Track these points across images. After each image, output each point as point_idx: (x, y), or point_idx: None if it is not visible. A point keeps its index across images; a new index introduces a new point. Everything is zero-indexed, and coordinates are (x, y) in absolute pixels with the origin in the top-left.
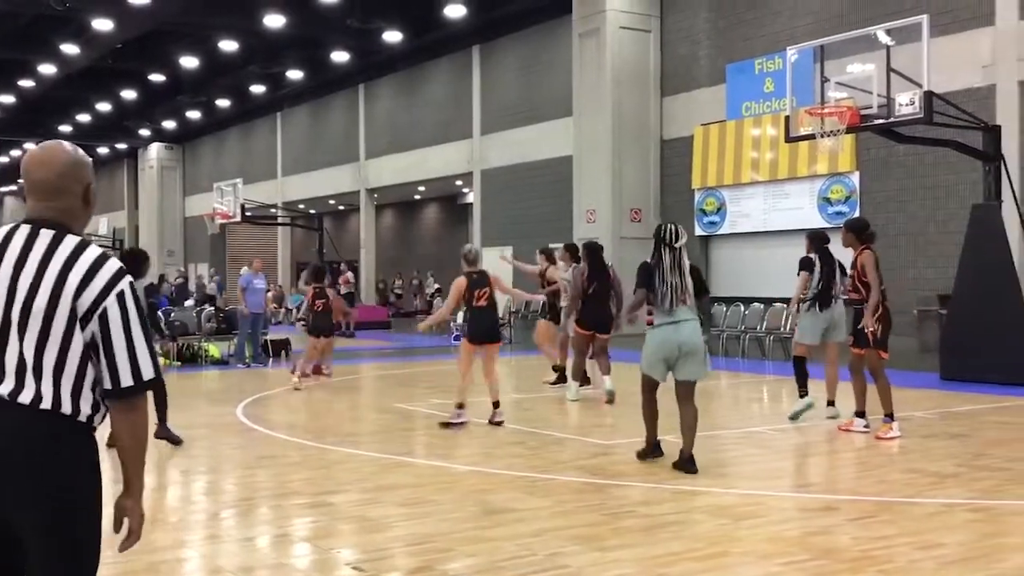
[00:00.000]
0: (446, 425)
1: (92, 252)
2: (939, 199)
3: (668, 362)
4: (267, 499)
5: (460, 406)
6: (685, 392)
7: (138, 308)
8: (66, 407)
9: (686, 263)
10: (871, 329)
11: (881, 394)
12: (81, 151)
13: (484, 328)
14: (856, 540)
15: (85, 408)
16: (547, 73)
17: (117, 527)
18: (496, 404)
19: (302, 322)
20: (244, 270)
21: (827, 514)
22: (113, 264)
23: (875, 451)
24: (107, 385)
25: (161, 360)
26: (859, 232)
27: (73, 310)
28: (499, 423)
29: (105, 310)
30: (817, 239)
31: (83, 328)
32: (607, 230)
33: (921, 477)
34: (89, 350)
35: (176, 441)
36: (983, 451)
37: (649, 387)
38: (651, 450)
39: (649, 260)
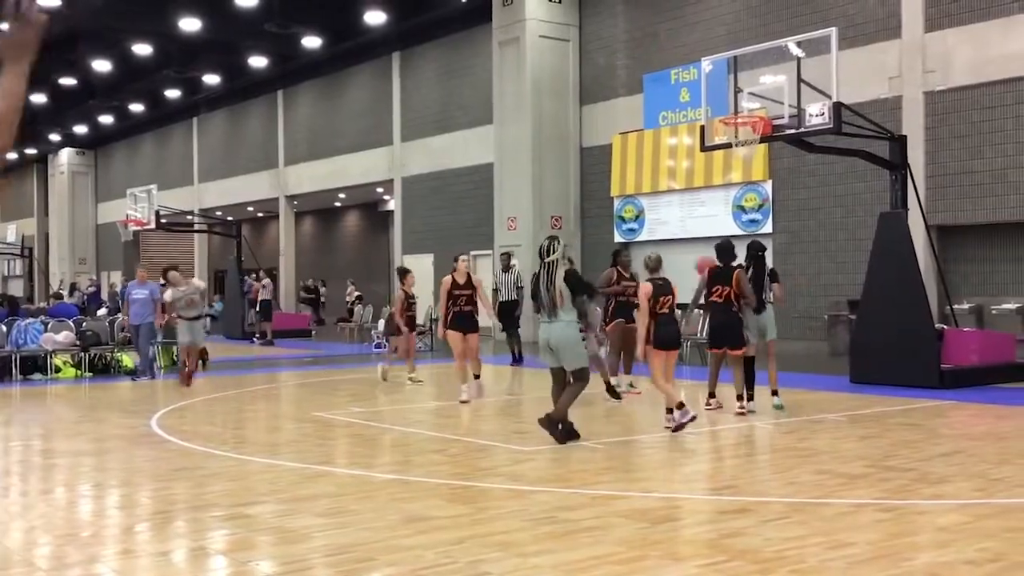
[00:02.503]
0: (679, 427)
1: None
2: (848, 207)
3: (549, 353)
4: (183, 512)
5: (681, 405)
6: (565, 377)
7: None
8: None
9: (558, 273)
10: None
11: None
12: None
13: (671, 335)
14: (769, 541)
15: None
16: (467, 81)
17: None
18: (681, 405)
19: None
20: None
21: (741, 516)
22: None
23: (787, 453)
24: None
25: (73, 371)
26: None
27: None
28: (681, 425)
29: None
30: (751, 248)
31: None
32: (528, 237)
33: (831, 478)
34: None
35: None
36: (891, 452)
37: (554, 377)
38: (560, 424)
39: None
